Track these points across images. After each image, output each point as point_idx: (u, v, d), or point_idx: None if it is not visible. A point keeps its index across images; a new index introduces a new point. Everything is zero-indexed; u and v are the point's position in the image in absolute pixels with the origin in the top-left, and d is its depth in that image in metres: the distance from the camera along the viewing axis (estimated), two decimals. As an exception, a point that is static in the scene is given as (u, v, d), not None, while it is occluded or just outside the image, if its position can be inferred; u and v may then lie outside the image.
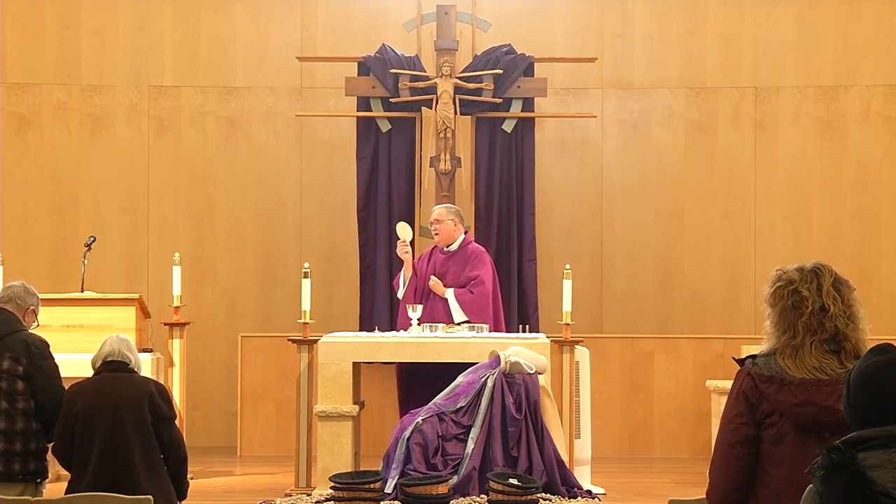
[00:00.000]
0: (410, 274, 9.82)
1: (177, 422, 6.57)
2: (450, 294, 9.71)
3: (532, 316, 11.11)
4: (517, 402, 8.51)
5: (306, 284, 9.46)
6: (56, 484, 6.85)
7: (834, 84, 11.88)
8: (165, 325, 9.91)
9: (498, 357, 8.68)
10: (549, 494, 8.32)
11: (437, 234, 9.90)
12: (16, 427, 6.40)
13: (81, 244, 10.45)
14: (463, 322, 9.55)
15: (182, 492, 6.44)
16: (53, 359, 6.55)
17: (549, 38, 11.94)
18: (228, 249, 11.99)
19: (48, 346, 6.57)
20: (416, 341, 9.10)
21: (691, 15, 11.97)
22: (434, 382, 9.13)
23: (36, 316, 6.74)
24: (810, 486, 3.00)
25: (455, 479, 8.24)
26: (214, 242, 12.00)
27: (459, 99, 11.01)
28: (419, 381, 9.51)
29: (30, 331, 6.62)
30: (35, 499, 5.98)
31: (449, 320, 9.58)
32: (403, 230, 9.88)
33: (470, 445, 8.40)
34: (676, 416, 11.40)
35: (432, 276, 9.75)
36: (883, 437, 2.98)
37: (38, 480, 6.49)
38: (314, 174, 12.01)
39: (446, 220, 9.86)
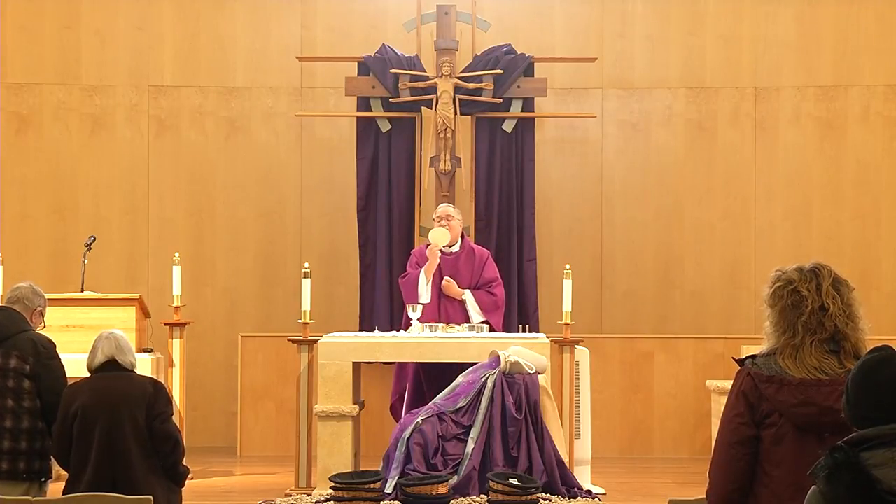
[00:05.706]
0: (430, 277, 9.67)
1: (176, 420, 6.57)
2: (468, 295, 9.70)
3: (532, 316, 11.10)
4: (517, 402, 8.50)
5: (306, 284, 9.45)
6: (55, 484, 6.83)
7: (834, 84, 11.87)
8: (165, 325, 9.91)
9: (498, 357, 8.67)
10: (549, 494, 8.32)
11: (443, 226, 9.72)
12: (22, 425, 6.41)
13: (81, 244, 10.45)
14: (481, 323, 9.54)
15: (178, 483, 6.44)
16: (60, 359, 6.56)
17: (549, 38, 11.94)
18: (228, 249, 11.98)
19: (55, 346, 6.58)
20: (416, 341, 9.10)
21: (691, 15, 11.96)
22: (436, 382, 9.14)
23: (43, 317, 6.76)
24: (813, 486, 2.99)
25: (455, 479, 8.24)
26: (214, 242, 11.99)
27: (459, 99, 11.00)
28: (429, 379, 9.48)
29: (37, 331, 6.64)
30: (35, 498, 5.98)
31: (465, 321, 9.56)
32: (441, 237, 9.64)
33: (470, 445, 8.40)
34: (676, 416, 11.39)
35: (445, 277, 9.71)
36: (886, 435, 2.98)
37: (43, 480, 6.50)
38: (314, 174, 12.01)
39: (456, 218, 9.83)
